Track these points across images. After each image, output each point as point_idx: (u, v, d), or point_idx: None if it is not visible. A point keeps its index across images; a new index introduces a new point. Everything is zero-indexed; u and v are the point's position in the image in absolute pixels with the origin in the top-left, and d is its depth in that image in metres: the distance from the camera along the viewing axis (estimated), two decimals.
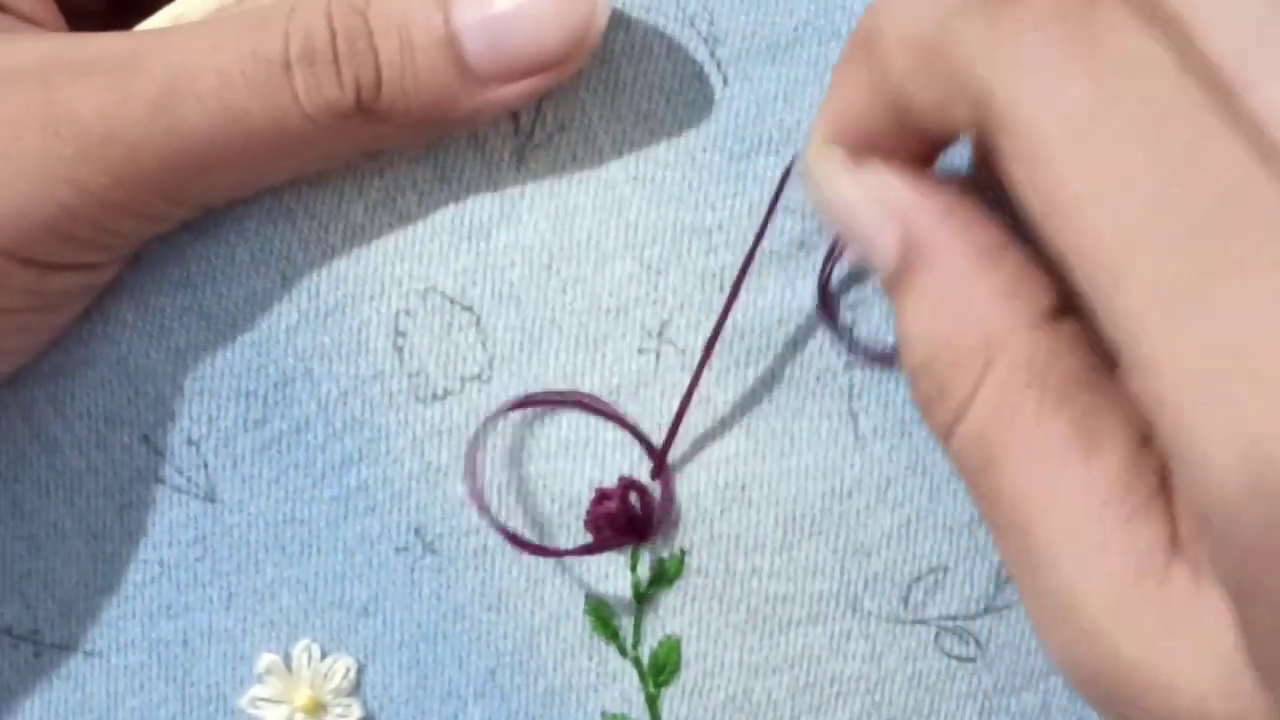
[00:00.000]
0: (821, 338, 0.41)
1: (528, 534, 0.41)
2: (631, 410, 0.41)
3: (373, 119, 0.37)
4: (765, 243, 0.40)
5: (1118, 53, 0.27)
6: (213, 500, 0.41)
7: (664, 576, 0.41)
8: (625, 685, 0.42)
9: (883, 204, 0.34)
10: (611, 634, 0.42)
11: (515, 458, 0.41)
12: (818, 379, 0.41)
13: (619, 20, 0.40)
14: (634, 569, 0.42)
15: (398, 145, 0.39)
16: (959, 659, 0.42)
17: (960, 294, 0.32)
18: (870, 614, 0.41)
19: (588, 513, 0.41)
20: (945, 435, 0.33)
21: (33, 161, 0.36)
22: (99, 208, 0.36)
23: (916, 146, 0.33)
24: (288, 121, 0.37)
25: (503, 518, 0.41)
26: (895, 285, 0.34)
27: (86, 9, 0.41)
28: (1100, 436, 0.31)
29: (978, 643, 0.42)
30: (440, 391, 0.41)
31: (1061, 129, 0.27)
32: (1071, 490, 0.31)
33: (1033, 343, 0.32)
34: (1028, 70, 0.28)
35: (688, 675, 0.42)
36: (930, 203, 0.33)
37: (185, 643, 0.41)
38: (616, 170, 0.40)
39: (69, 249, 0.37)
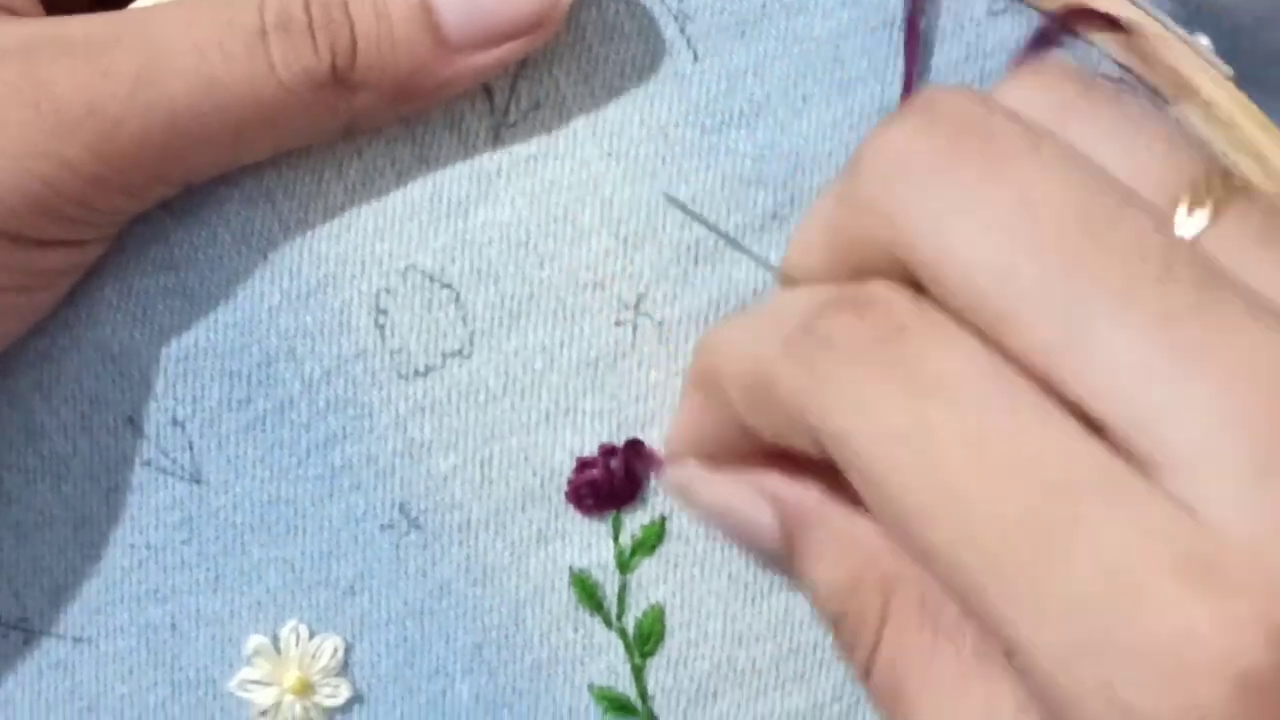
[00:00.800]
0: None
1: (510, 507, 0.42)
2: (609, 381, 0.41)
3: (348, 88, 0.38)
4: (739, 216, 0.41)
5: (931, 371, 0.28)
6: (198, 481, 0.41)
7: (645, 543, 0.42)
8: (611, 657, 0.42)
9: (750, 493, 0.35)
10: (596, 605, 0.42)
11: (497, 431, 0.41)
12: None
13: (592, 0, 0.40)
14: (616, 538, 0.42)
15: (373, 120, 0.40)
16: None
17: (850, 542, 0.34)
18: None
19: (569, 482, 0.42)
20: (863, 676, 0.34)
21: (15, 136, 0.36)
22: (82, 183, 0.37)
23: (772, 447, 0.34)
24: (265, 91, 0.37)
25: (485, 492, 0.42)
26: (789, 559, 0.35)
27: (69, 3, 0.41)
28: (993, 664, 0.31)
29: None
30: (422, 368, 0.41)
31: (888, 452, 0.28)
32: (971, 717, 0.32)
33: (922, 579, 0.33)
34: (850, 404, 0.29)
35: (672, 644, 0.42)
36: (795, 476, 0.35)
37: (174, 627, 0.42)
38: (591, 147, 0.41)
39: (55, 225, 0.37)
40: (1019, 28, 0.41)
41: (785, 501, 0.35)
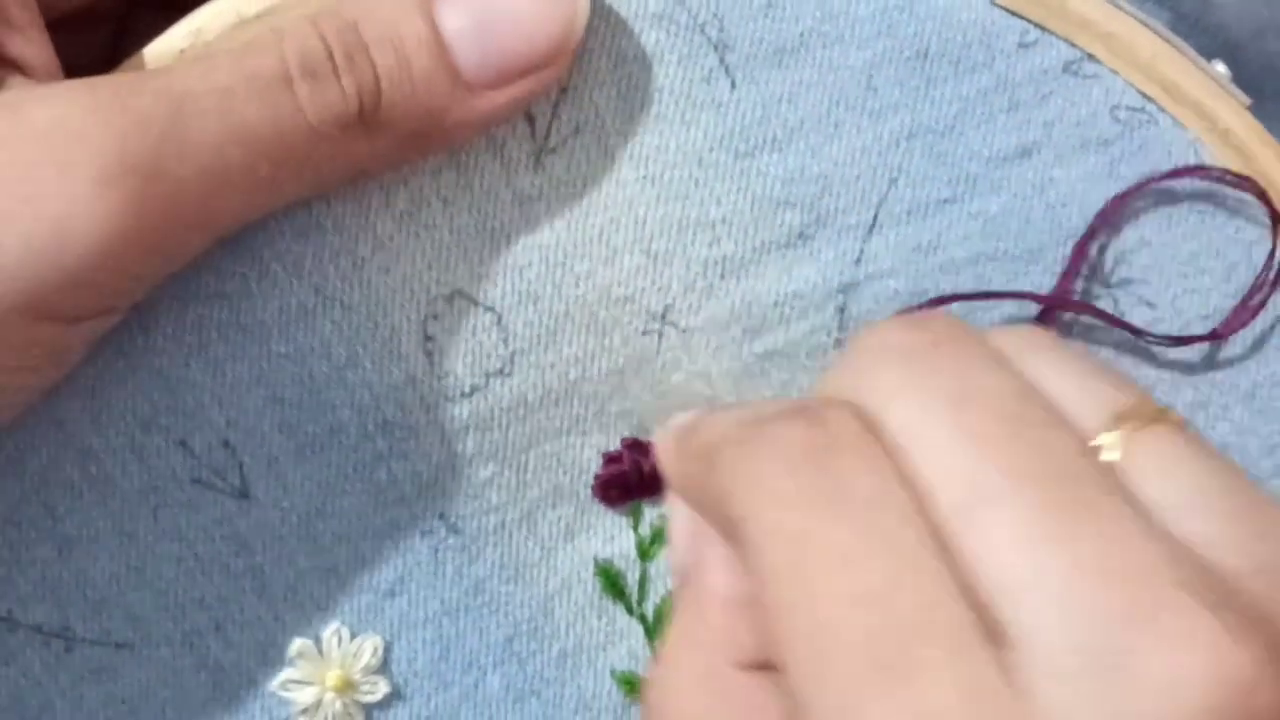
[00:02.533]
0: (814, 319, 0.43)
1: (542, 506, 0.43)
2: (633, 386, 0.43)
3: (373, 129, 0.38)
4: (766, 234, 0.42)
5: (845, 489, 0.30)
6: (246, 497, 0.42)
7: (664, 532, 0.44)
8: (632, 642, 0.45)
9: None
10: (619, 593, 0.44)
11: (534, 439, 0.43)
12: (808, 354, 0.43)
13: (633, 27, 0.41)
14: (636, 528, 0.44)
15: (383, 164, 0.40)
16: None
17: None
18: None
19: (596, 477, 0.43)
20: None
21: (50, 196, 0.35)
22: (119, 243, 0.36)
23: None
24: (294, 135, 0.37)
25: (519, 495, 0.43)
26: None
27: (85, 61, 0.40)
28: None
29: None
30: (467, 389, 0.42)
31: (774, 545, 0.30)
32: None
33: None
34: (762, 493, 0.31)
35: None
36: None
37: (218, 629, 0.43)
38: (627, 170, 0.41)
39: (88, 297, 0.37)
40: (1049, 59, 0.42)
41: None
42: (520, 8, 0.38)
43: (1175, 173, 0.42)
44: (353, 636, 0.43)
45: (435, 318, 0.41)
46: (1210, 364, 0.44)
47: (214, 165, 0.36)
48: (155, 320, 0.40)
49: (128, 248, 0.36)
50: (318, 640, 0.43)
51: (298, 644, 0.43)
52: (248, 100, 0.36)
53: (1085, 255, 0.43)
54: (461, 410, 0.42)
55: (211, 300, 0.41)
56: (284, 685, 0.43)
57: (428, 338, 0.41)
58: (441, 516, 0.43)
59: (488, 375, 0.42)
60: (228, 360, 0.41)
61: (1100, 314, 0.43)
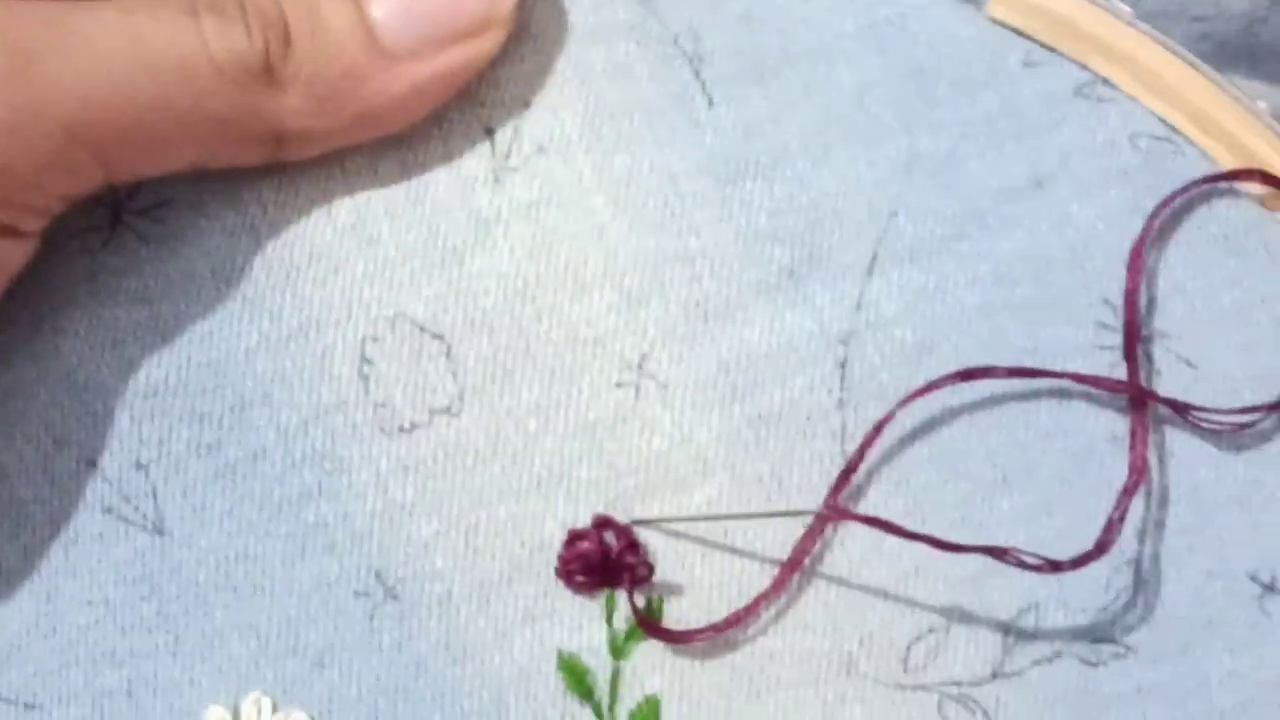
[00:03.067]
0: (811, 374, 0.38)
1: (496, 581, 0.39)
2: (609, 447, 0.39)
3: (279, 85, 0.36)
4: (752, 273, 0.38)
5: None
6: (161, 533, 0.38)
7: (641, 628, 0.39)
8: None
9: None
10: (586, 693, 0.39)
11: (484, 497, 0.39)
12: (808, 418, 0.39)
13: (601, 38, 0.38)
14: (609, 621, 0.39)
15: (307, 136, 0.37)
16: None
17: None
18: (866, 676, 0.39)
19: (559, 556, 0.39)
20: None
21: None
22: (9, 148, 0.34)
23: None
24: (193, 65, 0.35)
25: (469, 563, 0.39)
26: None
27: None
28: None
29: (985, 713, 0.39)
30: (407, 424, 0.38)
31: None
32: None
33: None
34: None
35: None
36: None
37: (129, 694, 0.39)
38: (596, 195, 0.38)
39: None
40: (1058, 81, 0.39)
41: None
42: None
43: (1195, 185, 0.38)
44: (275, 709, 0.39)
45: (375, 339, 0.38)
46: (1266, 436, 0.39)
47: (99, 71, 0.35)
48: (69, 320, 0.38)
49: (15, 152, 0.34)
50: (236, 711, 0.39)
51: (214, 713, 0.39)
52: (150, 22, 0.35)
53: (1137, 335, 0.38)
54: (399, 447, 0.38)
55: (129, 300, 0.38)
56: None
57: (365, 360, 0.38)
58: (378, 575, 0.39)
59: (431, 411, 0.38)
60: (142, 366, 0.38)
61: (1169, 403, 0.38)
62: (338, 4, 0.36)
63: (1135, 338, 0.38)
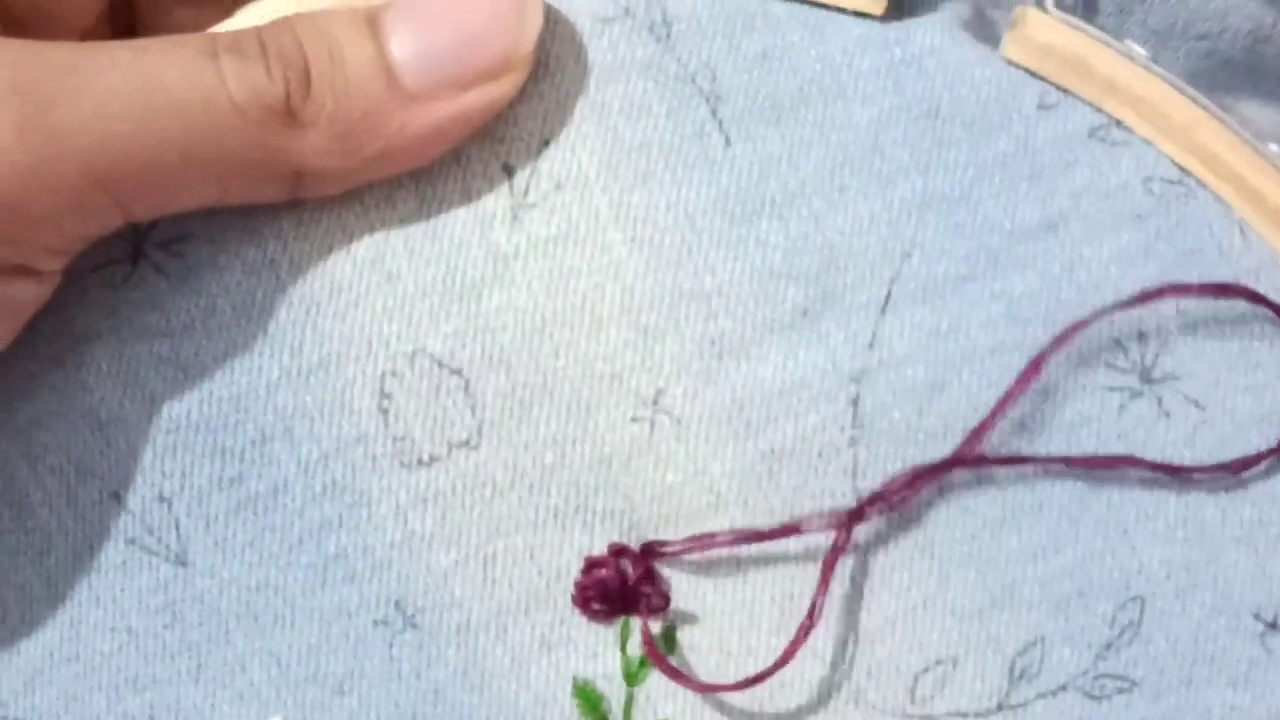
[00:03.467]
0: (824, 411, 0.39)
1: (513, 609, 0.39)
2: (623, 481, 0.39)
3: (299, 125, 0.36)
4: (767, 310, 0.39)
5: None
6: (183, 563, 0.39)
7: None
8: None
9: None
10: (601, 719, 0.40)
11: (502, 527, 0.39)
12: (820, 454, 0.39)
13: (619, 76, 0.38)
14: (624, 648, 0.40)
15: (326, 176, 0.37)
16: None
17: None
18: (874, 707, 0.39)
19: (576, 584, 0.39)
20: None
21: None
22: (17, 183, 0.34)
23: None
24: (215, 105, 0.35)
25: (486, 592, 0.39)
26: None
27: None
28: None
29: None
30: (426, 457, 0.39)
31: None
32: None
33: None
34: None
35: None
36: None
37: (152, 718, 0.39)
38: (613, 232, 0.39)
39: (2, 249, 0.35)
40: (1073, 124, 0.39)
41: None
42: (464, 13, 0.37)
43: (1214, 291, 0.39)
44: None
45: (394, 374, 0.39)
46: (1271, 477, 0.39)
47: (118, 113, 0.35)
48: (91, 355, 0.39)
49: (14, 177, 0.34)
50: None
51: None
52: (166, 61, 0.35)
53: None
54: (419, 480, 0.39)
55: (151, 336, 0.38)
56: None
57: (384, 395, 0.39)
58: (397, 605, 0.39)
59: (450, 445, 0.39)
60: (164, 401, 0.39)
61: (1149, 465, 0.39)
62: (358, 43, 0.36)
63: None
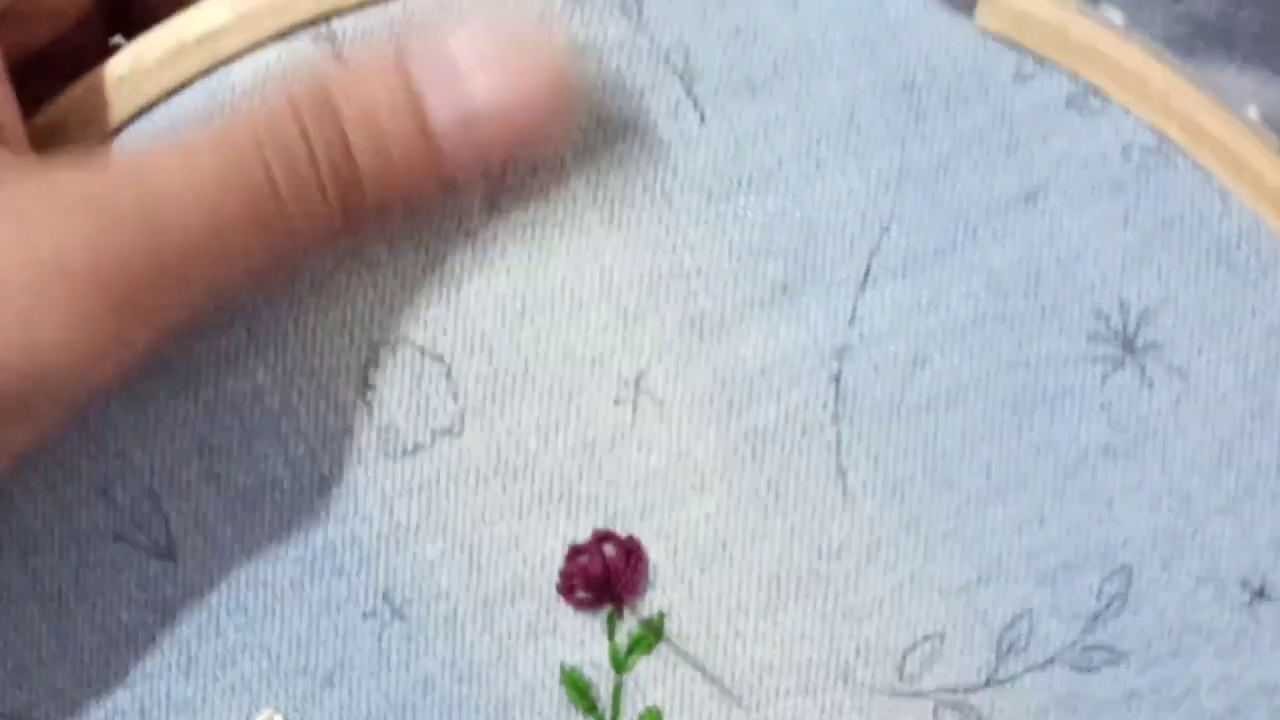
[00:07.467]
0: (806, 388, 0.39)
1: (499, 599, 0.39)
2: (607, 465, 0.39)
3: (352, 221, 0.37)
4: (747, 288, 0.39)
5: None
6: (172, 559, 0.39)
7: (642, 641, 0.39)
8: None
9: None
10: (589, 706, 0.40)
11: (487, 515, 0.39)
12: (803, 432, 0.39)
13: (591, 56, 0.38)
14: (611, 636, 0.40)
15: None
16: None
17: None
18: (863, 685, 0.39)
19: (560, 571, 0.39)
20: None
21: (20, 306, 0.34)
22: (87, 357, 0.35)
23: None
24: (276, 239, 0.36)
25: (473, 582, 0.39)
26: None
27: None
28: None
29: (980, 718, 0.40)
30: (410, 446, 0.39)
31: None
32: None
33: None
34: None
35: None
36: None
37: (142, 713, 0.39)
38: (590, 214, 0.39)
39: (50, 407, 0.36)
40: (1050, 93, 0.38)
41: None
42: (509, 100, 0.36)
43: None
44: None
45: (377, 365, 0.39)
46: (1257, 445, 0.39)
47: (191, 268, 0.35)
48: None
49: (98, 359, 0.35)
50: None
51: None
52: (229, 199, 0.35)
53: None
54: (404, 470, 0.39)
55: None
56: None
57: (368, 386, 0.39)
58: (385, 597, 0.39)
59: (434, 433, 0.39)
60: (152, 401, 0.39)
61: None
62: (398, 118, 0.36)
63: None
